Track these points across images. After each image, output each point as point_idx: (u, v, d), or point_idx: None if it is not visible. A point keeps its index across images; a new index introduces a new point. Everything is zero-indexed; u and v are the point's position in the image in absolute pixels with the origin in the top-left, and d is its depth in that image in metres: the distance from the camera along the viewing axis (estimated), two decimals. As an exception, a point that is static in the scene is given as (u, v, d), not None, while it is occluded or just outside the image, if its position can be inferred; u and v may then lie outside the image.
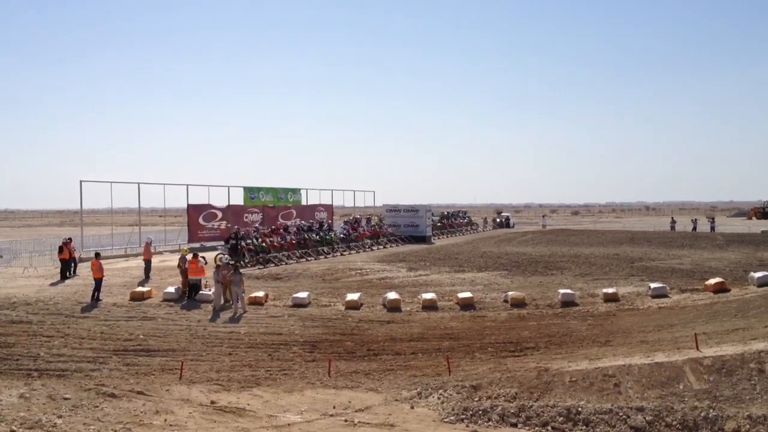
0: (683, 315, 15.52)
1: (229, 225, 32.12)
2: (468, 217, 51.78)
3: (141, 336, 14.93)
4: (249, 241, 26.34)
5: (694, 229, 47.56)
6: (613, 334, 14.16)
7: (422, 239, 37.75)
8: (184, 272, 19.38)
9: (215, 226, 33.05)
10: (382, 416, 9.28)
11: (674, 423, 8.54)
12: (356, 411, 9.53)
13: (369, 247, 33.50)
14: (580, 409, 8.98)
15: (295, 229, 30.73)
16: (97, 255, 19.35)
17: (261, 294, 18.27)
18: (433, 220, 41.53)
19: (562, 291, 18.04)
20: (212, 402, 10.07)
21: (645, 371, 9.91)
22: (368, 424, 8.98)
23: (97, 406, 9.67)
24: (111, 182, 29.30)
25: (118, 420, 9.09)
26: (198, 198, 33.16)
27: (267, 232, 28.49)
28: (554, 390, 9.72)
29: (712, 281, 18.42)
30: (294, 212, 38.82)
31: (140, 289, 19.09)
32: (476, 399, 9.68)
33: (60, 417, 9.12)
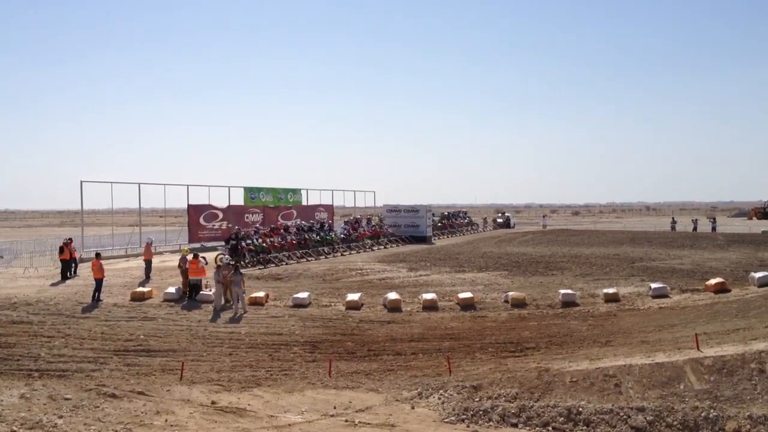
0: (684, 315, 15.52)
1: (230, 225, 32.12)
2: (468, 217, 51.78)
3: (142, 336, 14.94)
4: (249, 241, 26.36)
5: (695, 229, 47.56)
6: (614, 335, 14.16)
7: (423, 239, 37.76)
8: (184, 272, 19.39)
9: (216, 227, 33.05)
10: (383, 416, 9.28)
11: (675, 423, 8.54)
12: (357, 411, 9.53)
13: (369, 248, 33.50)
14: (580, 409, 8.98)
15: (295, 229, 30.74)
16: (98, 255, 19.36)
17: (261, 294, 18.28)
18: (433, 221, 41.54)
19: (562, 291, 18.04)
20: (213, 402, 10.07)
21: (646, 371, 9.91)
22: (369, 424, 8.98)
23: (98, 407, 9.67)
24: (111, 182, 29.29)
25: (118, 420, 9.09)
26: (198, 198, 33.19)
27: (266, 232, 28.47)
28: (555, 390, 9.72)
29: (713, 281, 18.42)
30: (294, 212, 38.82)
31: (141, 289, 19.10)
32: (477, 399, 9.68)
33: (61, 417, 9.13)
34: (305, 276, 22.76)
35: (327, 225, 34.88)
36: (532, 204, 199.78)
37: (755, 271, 19.21)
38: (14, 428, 8.62)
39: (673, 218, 54.71)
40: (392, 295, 17.76)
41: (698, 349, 11.04)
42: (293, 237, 29.20)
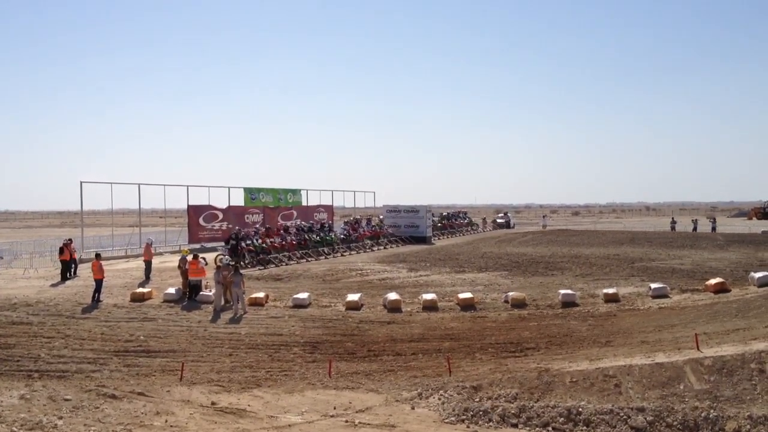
0: (684, 315, 15.52)
1: (230, 226, 32.10)
2: (468, 217, 51.78)
3: (141, 337, 14.94)
4: (249, 242, 26.35)
5: (695, 229, 47.56)
6: (614, 335, 14.16)
7: (422, 240, 37.74)
8: (184, 273, 19.39)
9: (215, 227, 33.04)
10: (383, 417, 9.28)
11: (675, 423, 8.54)
12: (357, 412, 9.53)
13: (369, 248, 33.50)
14: (580, 409, 8.98)
15: (295, 229, 30.73)
16: (98, 256, 19.36)
17: (261, 295, 18.27)
18: (433, 221, 41.53)
19: (562, 291, 18.04)
20: (213, 403, 10.07)
21: (646, 371, 9.91)
22: (369, 424, 8.98)
23: (98, 407, 9.67)
24: (111, 183, 29.30)
25: (118, 421, 9.09)
26: (198, 199, 33.17)
27: (263, 232, 28.45)
28: (555, 390, 9.72)
29: (713, 281, 18.41)
30: (294, 213, 38.82)
31: (141, 290, 19.10)
32: (477, 400, 9.68)
33: (60, 418, 9.13)
34: (305, 276, 22.76)
35: (327, 225, 34.88)
36: (532, 204, 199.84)
37: (755, 271, 19.21)
38: (14, 429, 8.62)
39: (672, 218, 54.70)
40: (392, 296, 17.76)
41: (698, 349, 11.05)
42: (293, 237, 29.19)
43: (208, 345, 14.46)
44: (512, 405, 9.34)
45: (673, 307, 16.70)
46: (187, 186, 32.48)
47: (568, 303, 17.38)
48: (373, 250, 33.13)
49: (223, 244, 28.49)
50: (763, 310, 14.59)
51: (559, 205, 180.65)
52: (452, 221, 47.23)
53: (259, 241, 26.85)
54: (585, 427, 8.71)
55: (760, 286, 17.84)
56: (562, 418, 8.89)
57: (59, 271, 22.21)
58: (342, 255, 30.35)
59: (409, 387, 10.67)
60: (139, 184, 30.28)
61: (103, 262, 19.13)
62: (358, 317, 16.59)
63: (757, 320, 13.54)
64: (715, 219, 52.94)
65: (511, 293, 18.04)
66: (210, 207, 33.30)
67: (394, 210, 39.66)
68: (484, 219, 56.20)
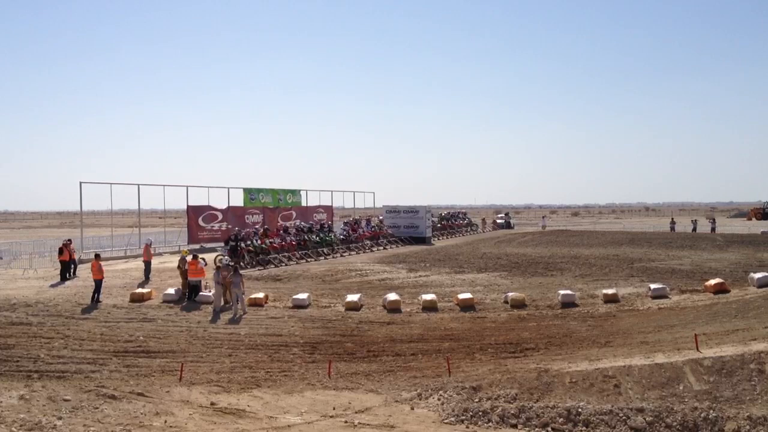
0: (683, 316, 15.52)
1: (229, 226, 32.10)
2: (467, 218, 51.78)
3: (141, 337, 14.93)
4: (249, 242, 26.35)
5: (694, 229, 47.57)
6: (613, 335, 14.16)
7: (422, 240, 37.72)
8: (184, 273, 19.38)
9: (215, 228, 33.04)
10: (382, 417, 9.27)
11: (674, 424, 8.54)
12: (356, 412, 9.53)
13: (369, 248, 33.49)
14: (580, 410, 8.98)
15: (294, 230, 30.72)
16: (97, 256, 19.35)
17: (261, 295, 18.27)
18: (432, 221, 41.51)
19: (562, 292, 18.04)
20: (212, 403, 10.06)
21: (645, 372, 9.92)
22: (368, 425, 8.98)
23: (97, 408, 9.67)
24: (111, 184, 29.27)
25: (118, 422, 9.09)
26: (198, 199, 33.17)
27: (263, 232, 28.44)
28: (554, 391, 9.72)
29: (712, 282, 18.41)
30: (294, 213, 38.83)
31: (140, 290, 19.09)
32: (476, 400, 9.68)
33: (60, 419, 9.12)
34: (305, 277, 22.75)
35: (326, 226, 34.86)
36: (531, 205, 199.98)
37: (754, 272, 19.20)
38: (13, 429, 8.62)
39: (672, 219, 54.69)
40: (392, 296, 17.75)
41: (698, 349, 11.05)
42: (293, 238, 29.17)
43: (208, 345, 14.45)
44: (512, 405, 9.34)
45: (673, 307, 16.70)
46: (187, 186, 32.51)
47: (568, 303, 17.39)
48: (372, 251, 33.12)
49: (222, 244, 28.49)
50: (763, 310, 14.59)
51: (558, 206, 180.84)
52: (452, 222, 47.22)
53: (259, 241, 26.84)
54: (584, 428, 8.72)
55: (760, 286, 17.84)
56: (562, 419, 8.89)
57: (59, 271, 22.20)
58: (341, 255, 30.34)
59: (409, 387, 10.67)
60: (138, 185, 30.29)
61: (102, 263, 19.12)
62: (358, 318, 16.59)
63: (756, 321, 13.55)
64: (714, 219, 52.94)
65: (510, 294, 18.04)
66: (209, 207, 33.30)
67: (393, 210, 39.65)
68: (483, 219, 56.20)
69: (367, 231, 35.69)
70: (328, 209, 43.36)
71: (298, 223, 33.12)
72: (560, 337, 14.37)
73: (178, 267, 20.20)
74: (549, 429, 8.80)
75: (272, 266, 25.57)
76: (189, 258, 19.42)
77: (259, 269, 24.78)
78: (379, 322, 16.15)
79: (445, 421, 9.13)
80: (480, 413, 9.22)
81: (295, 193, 40.91)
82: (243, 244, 25.86)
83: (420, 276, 22.93)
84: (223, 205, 34.14)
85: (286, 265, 26.12)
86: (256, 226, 31.83)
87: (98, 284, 18.40)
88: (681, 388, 9.43)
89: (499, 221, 56.71)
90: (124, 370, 12.74)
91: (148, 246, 23.20)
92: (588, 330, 14.93)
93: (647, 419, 8.65)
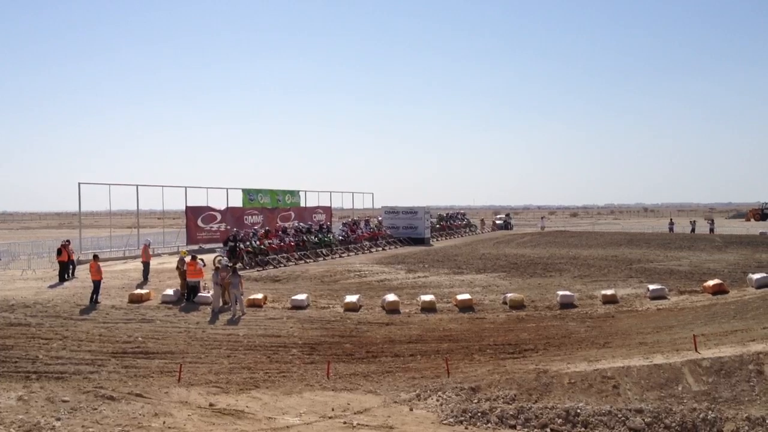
0: (682, 316, 15.53)
1: (228, 227, 32.09)
2: (466, 218, 51.81)
3: (139, 338, 14.91)
4: (247, 243, 26.34)
5: (693, 230, 47.64)
6: (612, 336, 14.17)
7: (421, 241, 37.74)
8: (182, 274, 19.36)
9: (214, 228, 33.03)
10: (381, 418, 9.27)
11: (673, 425, 8.54)
12: (355, 413, 9.52)
13: (368, 249, 33.49)
14: (578, 410, 8.98)
15: (293, 231, 30.71)
16: (96, 257, 19.34)
17: (260, 296, 18.26)
18: (431, 222, 41.51)
19: (560, 293, 18.05)
20: (211, 404, 10.05)
21: (644, 373, 9.92)
22: (367, 426, 8.97)
23: (96, 409, 9.65)
24: (109, 184, 29.25)
25: (116, 422, 9.07)
26: (196, 200, 33.19)
27: (262, 233, 28.44)
28: (553, 392, 9.73)
29: (711, 283, 18.43)
30: (293, 214, 38.83)
31: (139, 291, 19.07)
32: (475, 401, 9.68)
33: (58, 420, 9.11)
34: (303, 278, 22.74)
35: (325, 227, 34.87)
36: (530, 205, 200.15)
37: (753, 273, 19.23)
38: (12, 430, 8.60)
39: (671, 220, 54.78)
40: (390, 297, 17.75)
41: (696, 350, 11.06)
42: (291, 239, 29.17)
43: (206, 346, 14.44)
44: (510, 406, 9.33)
45: (671, 308, 16.71)
46: (186, 187, 32.52)
47: (567, 304, 17.39)
48: (371, 252, 33.13)
49: (221, 245, 28.49)
50: (761, 311, 14.61)
51: (557, 207, 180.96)
52: (450, 222, 47.25)
53: (258, 242, 26.84)
54: (583, 429, 8.71)
55: (758, 287, 17.86)
56: (561, 420, 8.88)
57: (57, 272, 22.18)
58: (340, 256, 30.34)
59: (408, 388, 10.66)
60: (137, 185, 30.27)
61: (101, 264, 19.11)
62: (357, 318, 16.58)
63: (755, 321, 13.56)
64: (713, 220, 53.05)
65: (509, 294, 18.04)
66: (208, 208, 33.30)
67: (392, 211, 39.67)
68: (482, 220, 56.25)
69: (366, 232, 35.70)
70: (327, 210, 43.38)
71: (296, 224, 33.13)
72: (559, 338, 14.37)
73: (177, 268, 20.19)
74: (548, 430, 8.80)
75: (271, 267, 25.57)
76: (188, 259, 19.40)
77: (257, 270, 24.78)
78: (377, 323, 16.15)
79: (444, 422, 9.13)
80: (479, 414, 9.22)
81: (293, 193, 40.92)
82: (242, 245, 25.85)
83: (419, 277, 22.93)
84: (221, 205, 34.19)
85: (284, 265, 26.12)
86: (255, 227, 31.83)
87: (97, 285, 18.38)
88: (680, 388, 9.44)
89: (498, 222, 56.77)
90: (123, 371, 12.72)
91: (146, 247, 23.20)
92: (587, 331, 14.93)
93: (646, 420, 8.65)
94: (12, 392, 10.42)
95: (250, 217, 35.39)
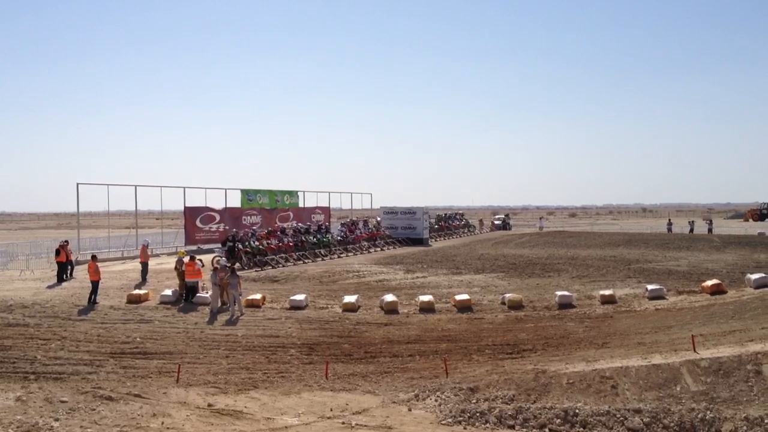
0: (680, 317, 15.54)
1: (227, 227, 32.08)
2: (465, 219, 51.82)
3: (138, 339, 14.90)
4: (246, 243, 26.32)
5: (691, 230, 47.67)
6: (610, 336, 14.18)
7: (419, 241, 37.73)
8: (181, 275, 19.34)
9: (212, 229, 32.99)
10: (380, 418, 9.27)
11: (671, 425, 8.55)
12: (354, 413, 9.52)
13: (366, 250, 33.49)
14: (577, 410, 8.99)
15: (292, 231, 30.70)
16: (94, 257, 19.30)
17: (258, 296, 18.25)
18: (430, 223, 41.50)
19: (559, 293, 18.05)
20: (209, 405, 10.05)
21: (642, 373, 9.93)
22: (366, 426, 8.97)
23: (94, 409, 9.65)
24: (108, 185, 29.16)
25: (114, 423, 9.07)
26: (195, 200, 33.14)
27: (262, 234, 28.45)
28: (552, 392, 9.73)
29: (709, 283, 18.45)
30: (291, 214, 38.81)
31: (137, 291, 19.04)
32: (474, 401, 9.68)
33: (57, 420, 9.10)
34: (302, 278, 22.74)
35: (324, 227, 34.87)
36: (528, 206, 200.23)
37: (751, 273, 19.26)
38: (10, 431, 8.59)
39: (669, 220, 54.82)
40: (389, 297, 17.75)
41: (695, 350, 11.07)
42: (290, 239, 29.16)
43: (205, 347, 14.43)
44: (509, 406, 9.34)
45: (670, 308, 16.73)
46: (184, 187, 32.48)
47: (565, 304, 17.40)
48: (370, 252, 33.12)
49: (219, 245, 28.47)
50: (760, 311, 14.63)
51: (555, 207, 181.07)
52: (449, 223, 47.26)
53: (256, 242, 26.82)
54: (582, 429, 8.72)
55: (757, 287, 17.89)
56: (559, 420, 8.89)
57: (55, 272, 22.15)
58: (339, 257, 30.34)
59: (406, 388, 10.67)
60: (135, 186, 30.23)
61: (99, 264, 19.08)
62: (355, 319, 16.58)
63: (753, 322, 13.58)
64: (711, 221, 53.11)
65: (507, 295, 18.05)
66: (207, 208, 33.26)
67: (391, 212, 39.67)
68: (481, 220, 56.26)
69: (365, 232, 35.70)
70: (326, 210, 43.36)
71: (295, 225, 33.11)
72: (557, 338, 14.38)
73: (176, 268, 20.16)
74: (546, 430, 8.81)
75: (269, 267, 25.55)
76: (186, 259, 19.38)
77: (256, 270, 24.76)
78: (376, 324, 16.15)
79: (443, 422, 9.13)
80: (477, 414, 9.22)
81: (292, 194, 40.90)
82: (240, 246, 25.84)
83: (417, 277, 22.94)
84: (220, 206, 34.14)
85: (283, 266, 26.11)
86: (254, 227, 31.81)
87: (95, 285, 18.35)
88: (678, 389, 9.45)
89: (497, 222, 56.80)
90: (121, 371, 12.71)
91: (145, 247, 23.18)
92: (585, 331, 14.94)
93: (644, 420, 8.66)
94: (10, 393, 10.42)
95: (248, 217, 35.36)
